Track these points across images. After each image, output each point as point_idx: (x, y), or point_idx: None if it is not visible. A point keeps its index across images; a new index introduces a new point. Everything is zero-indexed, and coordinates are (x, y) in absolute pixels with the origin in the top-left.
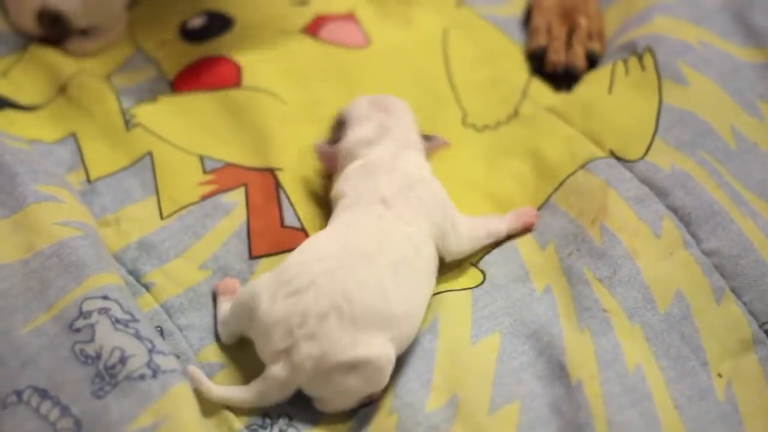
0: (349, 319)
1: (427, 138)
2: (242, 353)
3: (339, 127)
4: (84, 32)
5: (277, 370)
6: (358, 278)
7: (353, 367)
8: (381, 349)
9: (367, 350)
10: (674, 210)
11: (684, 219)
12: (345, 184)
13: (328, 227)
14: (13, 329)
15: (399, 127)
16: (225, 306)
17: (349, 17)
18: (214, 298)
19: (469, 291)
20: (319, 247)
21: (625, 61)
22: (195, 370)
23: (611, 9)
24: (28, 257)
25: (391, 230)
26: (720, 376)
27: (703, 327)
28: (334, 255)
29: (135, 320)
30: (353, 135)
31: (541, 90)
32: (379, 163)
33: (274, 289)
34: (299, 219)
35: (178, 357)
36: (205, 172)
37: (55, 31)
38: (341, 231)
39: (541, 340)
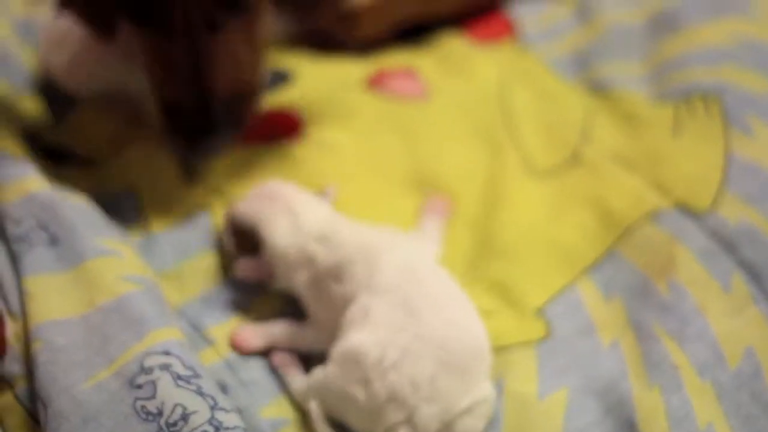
0: (456, 369)
1: (324, 194)
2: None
3: (244, 239)
4: None
5: None
6: (445, 327)
7: (470, 410)
8: (487, 384)
9: (480, 390)
10: (743, 265)
11: (753, 275)
12: (347, 266)
13: (371, 302)
14: (74, 385)
15: (298, 199)
16: (297, 379)
17: (409, 71)
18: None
19: (534, 344)
20: (383, 322)
21: (689, 101)
22: (315, 407)
23: (676, 38)
24: (89, 312)
25: (419, 264)
26: None
27: None
28: (407, 321)
29: (197, 376)
30: (277, 233)
31: (601, 130)
32: (336, 230)
33: (365, 376)
34: None
35: (240, 413)
36: None
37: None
38: (389, 297)
39: (610, 397)
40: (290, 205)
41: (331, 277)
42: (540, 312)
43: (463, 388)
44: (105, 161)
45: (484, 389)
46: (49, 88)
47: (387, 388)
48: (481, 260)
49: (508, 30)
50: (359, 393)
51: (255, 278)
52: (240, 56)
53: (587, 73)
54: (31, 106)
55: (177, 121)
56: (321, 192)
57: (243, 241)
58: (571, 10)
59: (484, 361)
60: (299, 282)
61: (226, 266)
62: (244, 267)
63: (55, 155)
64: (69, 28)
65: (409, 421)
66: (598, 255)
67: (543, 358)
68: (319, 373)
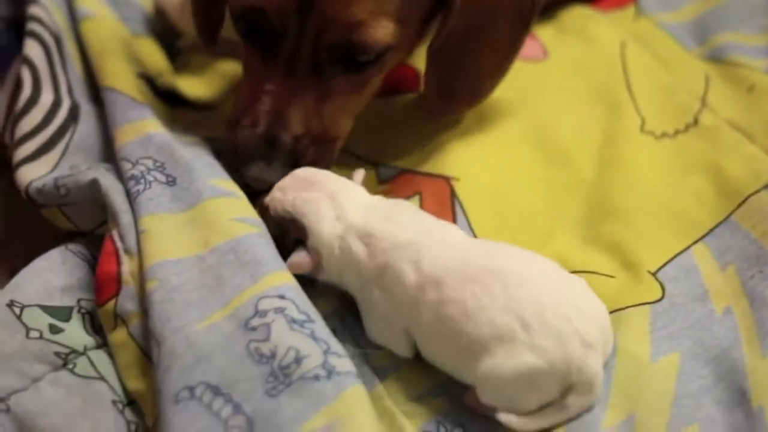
0: (566, 288)
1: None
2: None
3: (286, 229)
4: None
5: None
6: (522, 264)
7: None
8: (575, 278)
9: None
10: None
11: None
12: (390, 270)
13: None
14: (188, 324)
15: (338, 185)
16: None
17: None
18: None
19: (648, 307)
20: (487, 302)
21: None
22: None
23: None
24: (204, 253)
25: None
26: None
27: None
28: (494, 281)
29: (311, 321)
30: (319, 222)
31: (720, 99)
32: (377, 227)
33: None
34: (473, 231)
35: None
36: (380, 182)
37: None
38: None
39: (722, 365)
40: (331, 192)
41: (375, 284)
42: (654, 275)
43: (578, 290)
44: (219, 103)
45: (578, 282)
46: (160, 28)
47: (554, 343)
48: (595, 220)
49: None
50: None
51: (304, 272)
52: (332, 111)
53: (706, 42)
54: (149, 48)
55: (234, 136)
56: (349, 176)
57: (286, 233)
58: None
59: (554, 264)
60: (349, 283)
61: None
62: (292, 263)
63: (171, 98)
64: None
65: (585, 343)
66: (715, 223)
67: (656, 321)
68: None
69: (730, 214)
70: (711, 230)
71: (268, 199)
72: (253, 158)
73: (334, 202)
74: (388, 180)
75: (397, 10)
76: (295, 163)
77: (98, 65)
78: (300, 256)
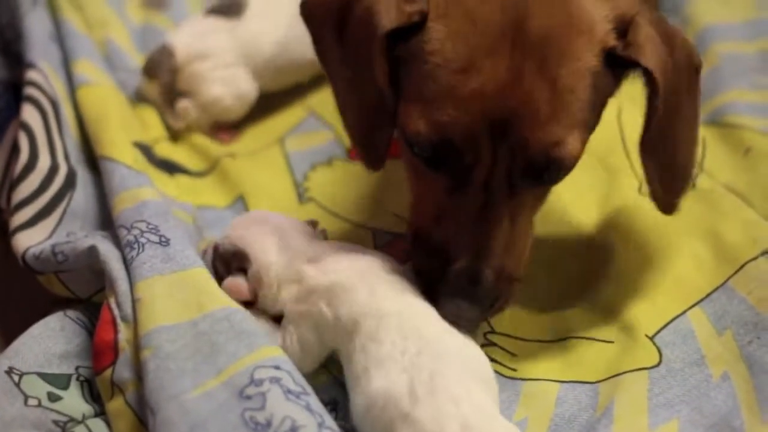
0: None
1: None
2: None
3: (229, 265)
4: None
5: None
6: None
7: None
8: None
9: None
10: None
11: None
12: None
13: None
14: (182, 392)
15: (286, 223)
16: None
17: None
18: None
19: (646, 372)
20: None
21: None
22: None
23: None
24: (197, 318)
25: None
26: None
27: None
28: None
29: (306, 393)
30: (264, 251)
31: (717, 162)
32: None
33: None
34: None
35: None
36: (376, 247)
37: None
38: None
39: (722, 431)
40: (278, 227)
41: (322, 298)
42: (651, 339)
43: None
44: (212, 171)
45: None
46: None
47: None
48: (593, 283)
49: None
50: None
51: (239, 297)
52: (521, 231)
53: (703, 105)
54: (146, 115)
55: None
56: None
57: (229, 267)
58: None
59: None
60: (285, 299)
61: None
62: (228, 285)
63: (167, 164)
64: None
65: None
66: (712, 288)
67: (654, 387)
68: None
69: (726, 280)
70: (708, 295)
71: (219, 239)
72: (456, 295)
73: (281, 234)
74: (384, 245)
75: (586, 119)
76: (495, 301)
77: (95, 134)
78: (237, 281)
